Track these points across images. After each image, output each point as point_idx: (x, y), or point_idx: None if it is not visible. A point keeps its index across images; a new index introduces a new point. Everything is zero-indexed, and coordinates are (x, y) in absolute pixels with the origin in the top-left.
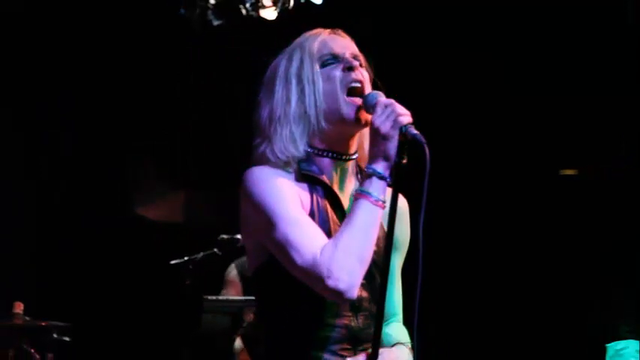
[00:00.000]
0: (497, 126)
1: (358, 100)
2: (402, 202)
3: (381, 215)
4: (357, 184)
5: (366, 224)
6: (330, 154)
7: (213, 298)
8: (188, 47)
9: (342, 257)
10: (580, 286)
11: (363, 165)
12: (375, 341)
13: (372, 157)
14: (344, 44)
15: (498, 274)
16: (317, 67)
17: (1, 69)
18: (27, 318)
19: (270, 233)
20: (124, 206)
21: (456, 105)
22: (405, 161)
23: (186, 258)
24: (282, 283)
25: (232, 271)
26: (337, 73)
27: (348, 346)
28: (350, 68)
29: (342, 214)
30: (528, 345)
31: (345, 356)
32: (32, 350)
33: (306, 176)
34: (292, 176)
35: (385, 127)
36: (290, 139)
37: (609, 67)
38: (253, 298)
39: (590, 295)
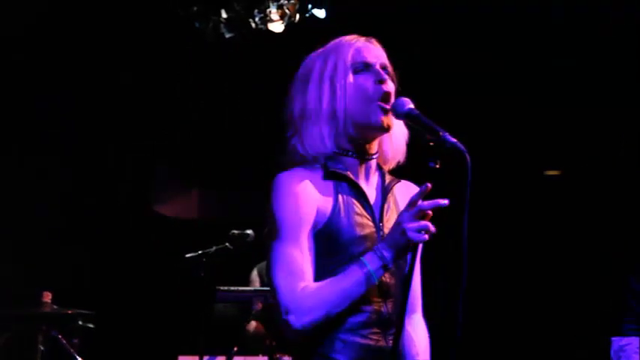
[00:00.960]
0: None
1: (387, 105)
2: (414, 189)
3: (367, 285)
4: (379, 179)
5: (349, 290)
6: (354, 154)
7: (225, 288)
8: (203, 56)
9: (312, 305)
10: (582, 283)
11: (382, 164)
12: (397, 328)
13: (388, 242)
14: (376, 54)
15: (499, 272)
16: (350, 74)
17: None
18: (55, 306)
19: (270, 241)
20: (145, 205)
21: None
22: (438, 166)
23: (200, 252)
24: (315, 271)
25: (253, 273)
26: (368, 83)
27: (378, 330)
28: (381, 81)
29: (368, 206)
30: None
31: (375, 339)
32: (59, 336)
33: (333, 173)
34: (319, 174)
35: (409, 235)
36: (319, 138)
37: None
38: (262, 288)
39: (592, 293)
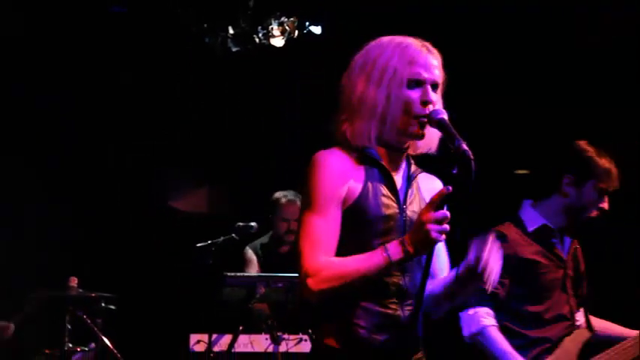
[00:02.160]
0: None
1: (424, 120)
2: (438, 184)
3: (385, 271)
4: (406, 167)
5: (368, 272)
6: (389, 147)
7: (232, 274)
8: (214, 67)
9: (331, 275)
10: None
11: (413, 151)
12: (418, 296)
13: (412, 239)
14: (431, 70)
15: None
16: (404, 87)
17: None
18: (80, 290)
19: (302, 210)
20: (160, 199)
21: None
22: (455, 171)
23: (209, 242)
24: (343, 244)
25: (248, 251)
26: (415, 101)
27: (396, 301)
28: (425, 103)
29: (394, 190)
30: None
31: (393, 309)
32: (85, 316)
33: (367, 159)
34: (354, 157)
35: (433, 236)
36: (367, 134)
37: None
38: (266, 274)
39: None
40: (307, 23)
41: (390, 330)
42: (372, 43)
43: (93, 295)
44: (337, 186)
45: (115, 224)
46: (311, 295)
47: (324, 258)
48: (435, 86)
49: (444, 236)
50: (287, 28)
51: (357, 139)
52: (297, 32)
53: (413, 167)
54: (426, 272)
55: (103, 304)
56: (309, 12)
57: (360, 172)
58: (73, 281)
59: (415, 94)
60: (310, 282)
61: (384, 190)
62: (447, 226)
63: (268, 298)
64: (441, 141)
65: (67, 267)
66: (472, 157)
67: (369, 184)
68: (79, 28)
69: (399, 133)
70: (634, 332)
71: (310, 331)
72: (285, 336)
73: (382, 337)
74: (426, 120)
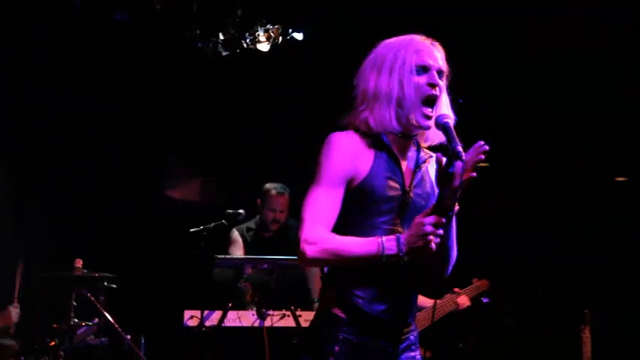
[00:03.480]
0: None
1: (431, 112)
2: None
3: (375, 261)
4: (415, 153)
5: (360, 257)
6: (402, 134)
7: (222, 256)
8: (206, 70)
9: (326, 248)
10: None
11: (422, 142)
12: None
13: (409, 240)
14: (436, 58)
15: None
16: (414, 73)
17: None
18: (85, 271)
19: (311, 185)
20: (158, 189)
21: None
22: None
23: (201, 227)
24: (348, 220)
25: (234, 233)
26: (423, 84)
27: (393, 274)
28: (432, 85)
29: (400, 173)
30: None
31: (390, 281)
32: (89, 294)
33: (379, 143)
34: (366, 141)
35: (428, 239)
36: (389, 119)
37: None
38: (252, 257)
39: None
40: (290, 30)
41: (387, 300)
42: (379, 45)
43: (96, 275)
44: (346, 166)
45: (117, 212)
46: (304, 260)
47: (324, 230)
48: (440, 73)
49: (437, 240)
50: (272, 34)
51: (380, 124)
52: (280, 38)
53: (423, 153)
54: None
55: (105, 283)
56: (291, 20)
57: (370, 154)
58: (78, 263)
59: (423, 79)
60: (307, 249)
61: (390, 173)
62: (441, 231)
63: (254, 278)
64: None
65: (72, 250)
66: (464, 158)
67: (377, 167)
68: (89, 33)
69: (411, 119)
70: (429, 301)
71: (292, 307)
72: (270, 312)
73: (380, 307)
74: (431, 115)
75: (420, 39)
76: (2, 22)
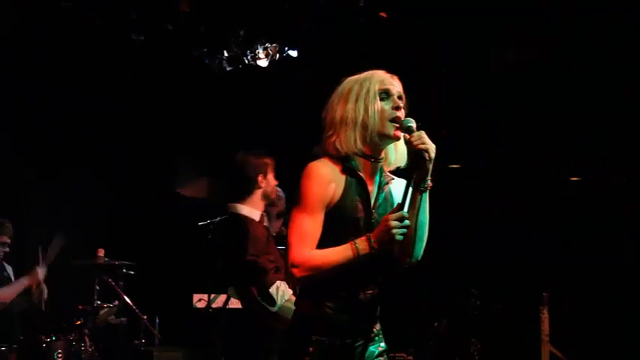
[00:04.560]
0: None
1: (398, 125)
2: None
3: (355, 262)
4: (379, 177)
5: (342, 262)
6: (368, 157)
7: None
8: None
9: (311, 266)
10: None
11: (386, 166)
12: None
13: (378, 236)
14: (395, 87)
15: None
16: (378, 99)
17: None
18: (106, 259)
19: (293, 209)
20: (170, 187)
21: None
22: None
23: (208, 221)
24: (326, 237)
25: None
26: (388, 107)
27: (359, 287)
28: (397, 107)
29: (367, 196)
30: None
31: (356, 294)
32: (110, 280)
33: (350, 170)
34: (339, 167)
35: (393, 233)
36: (353, 140)
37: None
38: None
39: None
40: (286, 48)
41: (353, 310)
42: (344, 81)
43: (116, 263)
44: (323, 193)
45: (135, 207)
46: (295, 280)
47: (308, 251)
48: (400, 98)
49: (404, 232)
50: (270, 52)
51: (345, 146)
52: (278, 55)
53: (386, 176)
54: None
55: (124, 270)
56: (287, 39)
57: (342, 179)
58: (101, 252)
59: (386, 103)
60: (295, 271)
61: (359, 197)
62: (407, 223)
63: None
64: (406, 143)
65: (96, 241)
66: (426, 157)
67: (348, 191)
68: (109, 49)
69: (379, 136)
70: None
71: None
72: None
73: (346, 316)
74: (399, 125)
75: (381, 72)
76: (2, 22)
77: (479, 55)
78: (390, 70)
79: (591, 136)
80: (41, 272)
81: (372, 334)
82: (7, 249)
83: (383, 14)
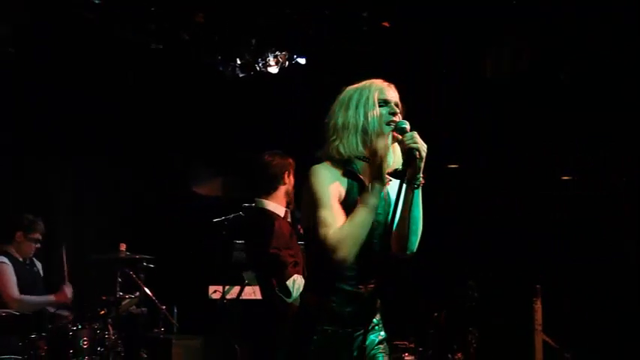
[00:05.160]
0: None
1: (393, 127)
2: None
3: (371, 216)
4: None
5: (363, 223)
6: (368, 159)
7: (240, 241)
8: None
9: (344, 239)
10: None
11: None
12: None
13: (370, 177)
14: (393, 94)
15: None
16: (376, 105)
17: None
18: (128, 253)
19: (313, 211)
20: (186, 186)
21: None
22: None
23: (222, 218)
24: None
25: None
26: (385, 113)
27: (360, 282)
28: (393, 113)
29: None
30: None
31: (358, 288)
32: (131, 272)
33: (350, 173)
34: (341, 171)
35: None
36: (355, 144)
37: None
38: None
39: None
40: (295, 56)
41: (354, 303)
42: (344, 90)
43: (137, 256)
44: (334, 186)
45: (154, 205)
46: (337, 255)
47: (337, 229)
48: (397, 105)
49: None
50: (280, 59)
51: (347, 150)
52: (287, 62)
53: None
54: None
55: (144, 264)
56: (296, 48)
57: (344, 181)
58: (123, 247)
59: (384, 109)
60: (334, 256)
61: (359, 196)
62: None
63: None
64: (399, 143)
65: (118, 236)
66: (417, 155)
67: (350, 192)
68: (129, 57)
69: (377, 139)
70: None
71: None
72: None
73: (348, 308)
74: (396, 123)
75: (379, 81)
76: (2, 23)
77: (478, 56)
78: (392, 72)
79: (590, 137)
80: (69, 291)
81: (373, 324)
82: (39, 245)
83: (386, 24)
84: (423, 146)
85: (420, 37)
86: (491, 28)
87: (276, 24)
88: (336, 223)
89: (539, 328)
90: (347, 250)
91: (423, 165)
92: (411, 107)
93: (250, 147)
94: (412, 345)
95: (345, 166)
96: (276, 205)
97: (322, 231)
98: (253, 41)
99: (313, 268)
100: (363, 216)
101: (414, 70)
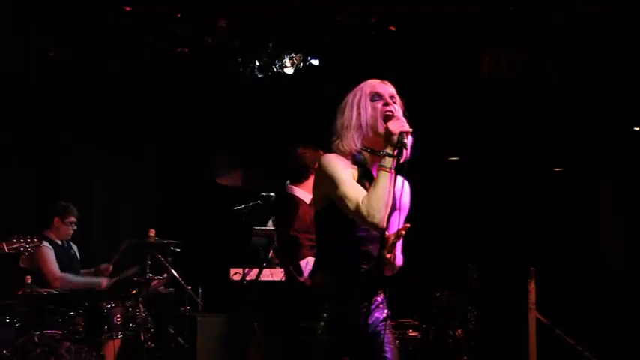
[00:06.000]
0: None
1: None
2: (407, 185)
3: (391, 178)
4: None
5: (384, 185)
6: (370, 150)
7: (258, 228)
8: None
9: (374, 204)
10: None
11: None
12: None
13: (384, 144)
14: (386, 88)
15: None
16: (369, 101)
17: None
18: (156, 238)
19: (334, 190)
20: (210, 177)
21: None
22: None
23: (242, 206)
24: (331, 226)
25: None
26: (379, 105)
27: (366, 260)
28: (386, 104)
29: (371, 183)
30: None
31: (365, 265)
32: (159, 256)
33: (357, 162)
34: (349, 160)
35: (395, 128)
36: (352, 141)
37: None
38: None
39: None
40: (309, 58)
41: (357, 281)
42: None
43: (165, 241)
44: (349, 170)
45: (181, 194)
46: (377, 227)
47: (366, 197)
48: (392, 98)
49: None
50: (295, 61)
51: (347, 147)
52: (302, 64)
53: None
54: (382, 239)
55: (172, 248)
56: (310, 50)
57: (355, 169)
58: (152, 232)
59: (378, 103)
60: (370, 220)
61: (365, 183)
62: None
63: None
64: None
65: (148, 222)
66: (407, 146)
67: (359, 179)
68: (158, 60)
69: (373, 134)
70: None
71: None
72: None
73: (352, 286)
74: (391, 114)
75: (372, 80)
76: (3, 23)
77: (477, 57)
78: (393, 70)
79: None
80: (110, 268)
81: (377, 302)
82: (75, 227)
83: (392, 28)
84: (406, 130)
85: (420, 37)
86: (488, 31)
87: (292, 29)
88: (361, 193)
89: (533, 307)
90: (380, 214)
91: (400, 153)
92: (410, 105)
93: (269, 140)
94: (416, 322)
95: (352, 157)
96: (304, 193)
97: (350, 204)
98: (270, 44)
99: (321, 248)
100: (386, 179)
101: (414, 70)
